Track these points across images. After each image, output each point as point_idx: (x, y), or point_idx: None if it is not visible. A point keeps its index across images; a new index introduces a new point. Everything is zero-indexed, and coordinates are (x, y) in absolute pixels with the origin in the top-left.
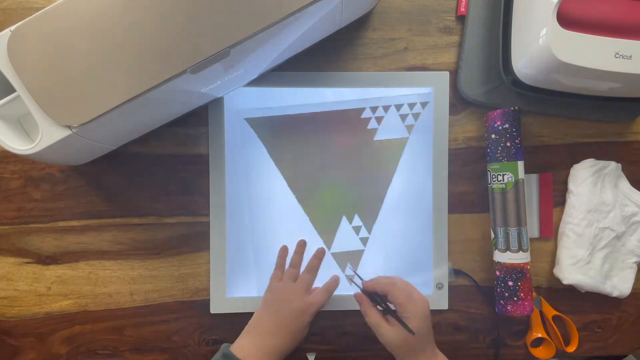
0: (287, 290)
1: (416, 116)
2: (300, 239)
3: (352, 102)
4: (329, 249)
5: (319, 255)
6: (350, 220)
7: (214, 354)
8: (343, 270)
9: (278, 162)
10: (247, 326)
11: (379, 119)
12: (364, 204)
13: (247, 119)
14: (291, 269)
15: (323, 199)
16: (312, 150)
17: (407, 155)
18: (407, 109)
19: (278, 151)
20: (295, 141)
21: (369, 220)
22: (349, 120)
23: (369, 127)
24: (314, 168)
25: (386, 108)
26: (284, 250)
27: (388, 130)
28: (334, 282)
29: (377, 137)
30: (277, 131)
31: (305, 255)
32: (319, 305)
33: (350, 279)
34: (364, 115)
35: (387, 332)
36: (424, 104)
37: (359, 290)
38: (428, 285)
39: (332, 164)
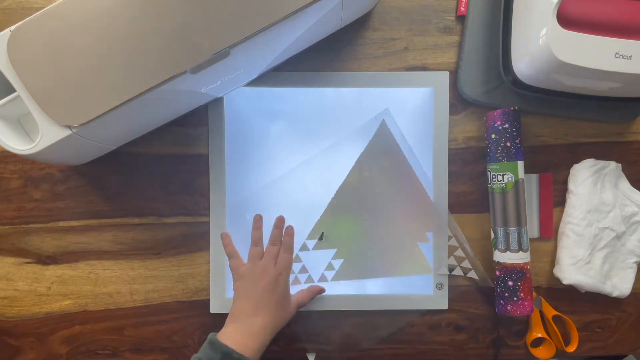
0: (254, 270)
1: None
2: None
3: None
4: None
5: (279, 224)
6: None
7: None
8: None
9: (355, 168)
10: (228, 317)
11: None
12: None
13: (384, 120)
14: (254, 248)
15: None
16: (381, 189)
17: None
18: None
19: (365, 162)
20: (384, 171)
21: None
22: (425, 214)
23: (428, 234)
24: (367, 199)
25: (451, 238)
26: (226, 237)
27: (429, 252)
28: (290, 234)
29: (420, 245)
30: (385, 152)
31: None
32: (287, 268)
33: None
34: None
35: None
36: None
37: None
38: (428, 285)
39: (380, 213)
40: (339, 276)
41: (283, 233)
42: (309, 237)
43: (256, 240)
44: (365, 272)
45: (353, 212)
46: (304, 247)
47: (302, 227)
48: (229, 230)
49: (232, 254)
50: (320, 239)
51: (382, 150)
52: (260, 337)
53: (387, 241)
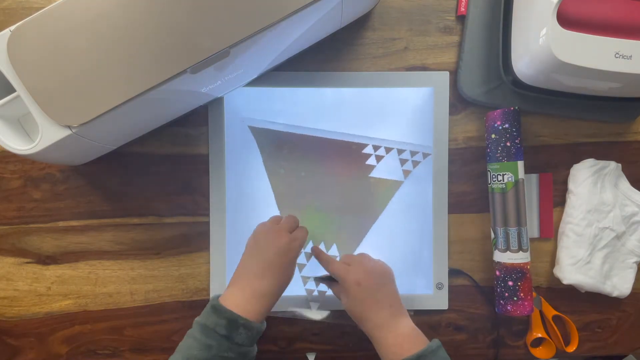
0: (269, 231)
1: (415, 164)
2: None
3: (357, 137)
4: (300, 272)
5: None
6: (327, 249)
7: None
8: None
9: (271, 175)
10: (233, 275)
11: (378, 157)
12: (345, 235)
13: (250, 127)
14: (275, 217)
15: (305, 221)
16: (306, 172)
17: (397, 198)
18: (408, 155)
19: (273, 164)
20: (292, 159)
21: (346, 252)
22: (350, 152)
23: (367, 162)
24: (304, 189)
25: (388, 150)
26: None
27: (385, 170)
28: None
29: (373, 174)
30: (277, 145)
31: None
32: (302, 239)
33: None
34: (365, 150)
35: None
36: (425, 155)
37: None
38: (428, 285)
39: (323, 189)
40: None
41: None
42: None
43: (276, 218)
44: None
45: (304, 204)
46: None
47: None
48: (229, 230)
49: (273, 219)
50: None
51: (274, 146)
52: (265, 300)
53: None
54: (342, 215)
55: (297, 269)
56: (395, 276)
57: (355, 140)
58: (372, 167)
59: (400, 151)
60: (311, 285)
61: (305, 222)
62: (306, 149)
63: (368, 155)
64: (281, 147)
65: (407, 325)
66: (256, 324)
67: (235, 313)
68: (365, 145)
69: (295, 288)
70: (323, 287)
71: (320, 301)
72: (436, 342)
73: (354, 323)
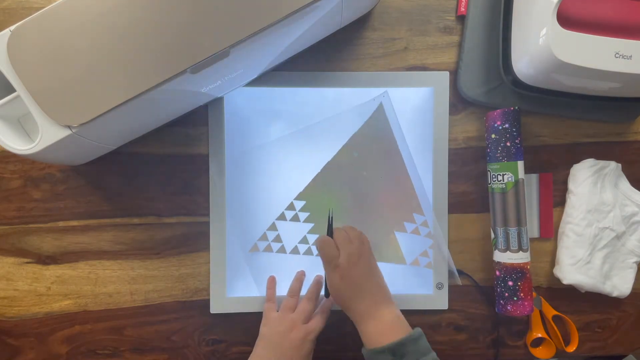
0: (285, 321)
1: (429, 266)
2: (299, 270)
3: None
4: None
5: (319, 280)
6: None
7: (214, 354)
8: None
9: (345, 146)
10: None
11: (415, 231)
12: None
13: (383, 102)
14: (289, 299)
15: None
16: (369, 172)
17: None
18: (430, 254)
19: (356, 142)
20: (373, 155)
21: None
22: (410, 204)
23: (405, 223)
24: (355, 181)
25: (428, 235)
26: (271, 281)
27: (406, 244)
28: (328, 302)
29: (397, 234)
30: (377, 136)
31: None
32: (319, 330)
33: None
34: (416, 216)
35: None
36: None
37: None
38: (428, 285)
39: (364, 196)
40: (310, 251)
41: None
42: (288, 208)
43: (293, 292)
44: None
45: (336, 190)
46: (281, 217)
47: (285, 196)
48: (229, 230)
49: (269, 298)
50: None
51: (376, 134)
52: None
53: (365, 224)
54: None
55: None
56: (395, 276)
57: (419, 207)
58: (403, 230)
59: (432, 247)
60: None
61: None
62: (391, 160)
63: (413, 221)
64: (379, 138)
65: (391, 312)
66: None
67: None
68: (420, 214)
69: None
70: None
71: None
72: (418, 330)
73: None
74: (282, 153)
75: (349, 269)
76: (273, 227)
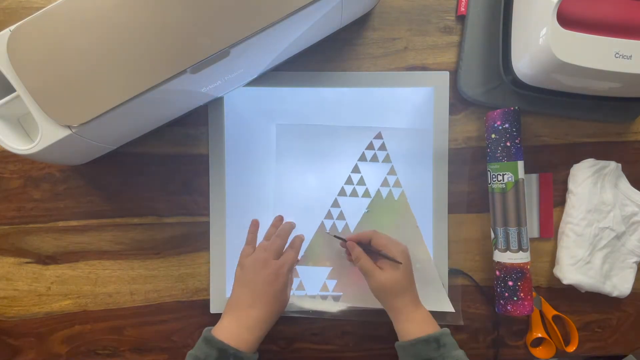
0: (256, 260)
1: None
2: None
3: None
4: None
5: (292, 224)
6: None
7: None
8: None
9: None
10: (225, 307)
11: (373, 158)
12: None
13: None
14: (263, 242)
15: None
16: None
17: None
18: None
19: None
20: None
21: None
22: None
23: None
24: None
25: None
26: (254, 224)
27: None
28: (298, 239)
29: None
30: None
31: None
32: (290, 263)
33: (331, 235)
34: (375, 141)
35: (380, 274)
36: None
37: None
38: None
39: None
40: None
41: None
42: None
43: (268, 236)
44: (360, 299)
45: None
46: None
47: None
48: (229, 230)
49: (249, 241)
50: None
51: (291, 136)
52: (256, 330)
53: None
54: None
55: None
56: None
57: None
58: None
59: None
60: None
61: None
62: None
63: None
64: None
65: (424, 310)
66: (247, 353)
67: (225, 344)
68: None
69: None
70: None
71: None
72: (446, 329)
73: (354, 323)
74: (293, 189)
75: (392, 271)
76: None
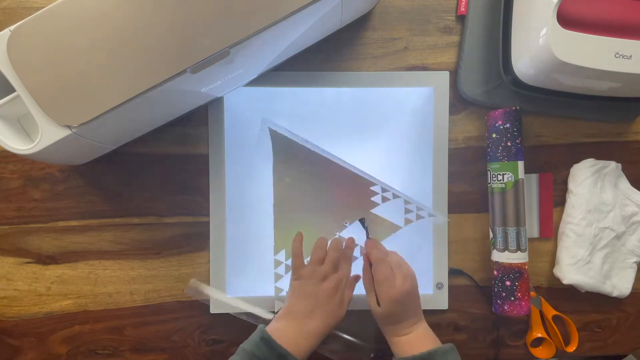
0: (316, 272)
1: (418, 217)
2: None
3: (368, 175)
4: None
5: (351, 244)
6: None
7: (214, 354)
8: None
9: (276, 180)
10: (280, 311)
11: (384, 199)
12: None
13: (270, 129)
14: (316, 251)
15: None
16: (312, 188)
17: (393, 237)
18: (414, 208)
19: (282, 171)
20: (302, 172)
21: None
22: (358, 184)
23: (373, 199)
24: (304, 203)
25: (395, 196)
26: (299, 236)
27: (387, 212)
28: (350, 246)
29: (375, 211)
30: (291, 154)
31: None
32: (347, 276)
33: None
34: (373, 188)
35: (374, 304)
36: (430, 215)
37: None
38: (428, 285)
39: (322, 208)
40: None
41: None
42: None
43: (320, 247)
44: None
45: (300, 217)
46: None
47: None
48: (229, 230)
49: (296, 254)
50: (363, 224)
51: (288, 155)
52: (312, 339)
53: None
54: (333, 236)
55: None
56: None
57: (366, 178)
58: (375, 204)
59: (407, 202)
60: (283, 283)
61: (294, 234)
62: (318, 166)
63: (375, 193)
64: (295, 156)
65: (424, 328)
66: None
67: (286, 350)
68: (373, 184)
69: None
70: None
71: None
72: (449, 344)
73: (354, 322)
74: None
75: (399, 300)
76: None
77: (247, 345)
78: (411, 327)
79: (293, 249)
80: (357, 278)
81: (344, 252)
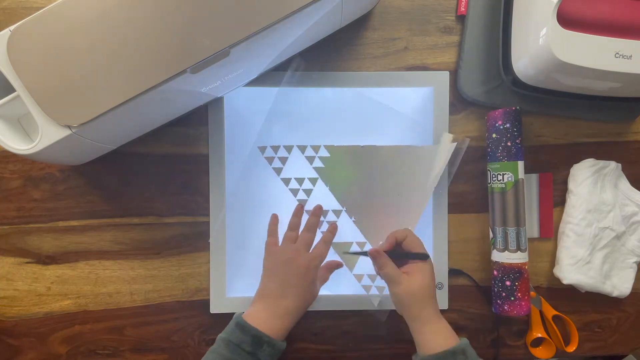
0: (287, 250)
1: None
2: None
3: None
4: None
5: (317, 212)
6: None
7: None
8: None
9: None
10: (255, 295)
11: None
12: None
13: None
14: (289, 232)
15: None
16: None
17: None
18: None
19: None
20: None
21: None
22: None
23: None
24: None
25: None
26: (274, 218)
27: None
28: (331, 231)
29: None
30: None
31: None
32: (321, 258)
33: (351, 254)
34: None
35: (407, 279)
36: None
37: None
38: None
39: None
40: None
41: (321, 224)
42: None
43: (293, 226)
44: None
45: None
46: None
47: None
48: (229, 230)
49: (271, 233)
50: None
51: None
52: (286, 319)
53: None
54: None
55: (347, 269)
56: None
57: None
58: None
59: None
60: (366, 281)
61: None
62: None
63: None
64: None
65: (445, 324)
66: (279, 341)
67: (260, 330)
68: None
69: (352, 287)
70: (380, 282)
71: (381, 296)
72: (465, 340)
73: (354, 323)
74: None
75: (420, 277)
76: None
77: (223, 333)
78: (440, 316)
79: (268, 229)
80: (337, 264)
81: (324, 235)
